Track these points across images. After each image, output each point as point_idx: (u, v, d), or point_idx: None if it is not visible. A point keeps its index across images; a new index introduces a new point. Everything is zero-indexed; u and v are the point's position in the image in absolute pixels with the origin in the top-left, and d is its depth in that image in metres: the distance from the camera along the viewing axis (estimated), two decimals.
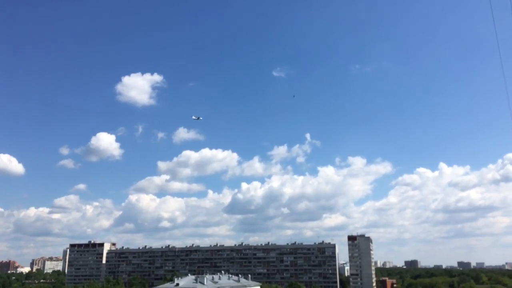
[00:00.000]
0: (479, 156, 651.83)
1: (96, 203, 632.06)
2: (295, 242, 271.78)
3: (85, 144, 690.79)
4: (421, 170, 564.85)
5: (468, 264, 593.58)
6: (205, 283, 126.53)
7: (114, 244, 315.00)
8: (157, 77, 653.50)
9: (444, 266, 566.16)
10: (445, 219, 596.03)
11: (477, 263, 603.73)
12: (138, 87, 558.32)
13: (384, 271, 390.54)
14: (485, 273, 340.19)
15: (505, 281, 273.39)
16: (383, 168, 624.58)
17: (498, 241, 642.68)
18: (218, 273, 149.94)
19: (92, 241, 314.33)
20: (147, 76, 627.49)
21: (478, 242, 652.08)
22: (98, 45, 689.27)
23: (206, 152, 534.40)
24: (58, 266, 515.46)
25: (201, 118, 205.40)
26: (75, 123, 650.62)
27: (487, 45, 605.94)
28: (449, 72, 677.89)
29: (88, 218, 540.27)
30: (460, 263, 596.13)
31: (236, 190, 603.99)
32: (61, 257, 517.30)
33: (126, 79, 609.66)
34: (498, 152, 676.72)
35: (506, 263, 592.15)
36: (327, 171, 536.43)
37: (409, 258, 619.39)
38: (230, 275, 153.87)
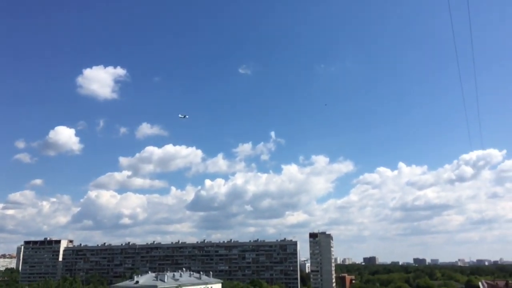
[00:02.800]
0: (436, 157, 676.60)
1: (53, 199, 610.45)
2: (258, 239, 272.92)
3: (42, 138, 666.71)
4: (381, 169, 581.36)
5: (423, 260, 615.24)
6: (165, 280, 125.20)
7: (71, 241, 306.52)
8: (120, 71, 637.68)
9: (400, 263, 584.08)
10: (403, 217, 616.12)
11: (431, 260, 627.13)
12: (100, 80, 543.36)
13: (344, 268, 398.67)
14: (439, 269, 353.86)
15: (458, 277, 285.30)
16: (345, 167, 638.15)
17: (452, 239, 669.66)
18: (179, 271, 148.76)
19: (48, 238, 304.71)
20: (110, 69, 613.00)
21: (433, 240, 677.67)
22: (58, 35, 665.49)
23: (169, 148, 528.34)
24: (12, 263, 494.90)
25: (187, 116, 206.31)
26: (32, 116, 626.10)
27: (445, 49, 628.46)
28: (409, 75, 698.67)
29: (45, 214, 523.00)
30: (415, 260, 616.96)
31: (199, 187, 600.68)
32: (14, 254, 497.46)
33: (87, 72, 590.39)
34: (454, 153, 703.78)
35: (459, 260, 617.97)
36: (291, 169, 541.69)
37: (368, 255, 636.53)
38: (192, 273, 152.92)
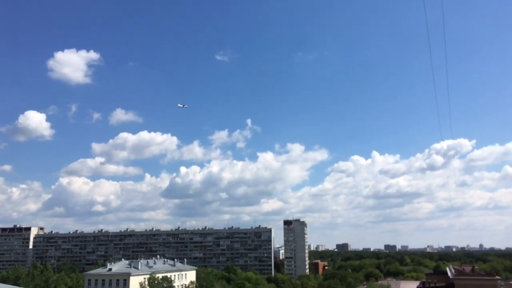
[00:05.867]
0: (409, 146, 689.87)
1: (23, 186, 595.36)
2: (232, 227, 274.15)
3: (11, 123, 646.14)
4: (356, 157, 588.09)
5: (394, 247, 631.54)
6: (139, 268, 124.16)
7: (42, 229, 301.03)
8: (93, 55, 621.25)
9: (372, 249, 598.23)
10: (375, 205, 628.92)
11: (402, 246, 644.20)
12: (72, 64, 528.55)
13: (317, 254, 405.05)
14: (408, 255, 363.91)
15: (426, 262, 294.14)
16: (320, 155, 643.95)
17: (421, 226, 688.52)
18: (153, 258, 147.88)
19: (18, 225, 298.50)
20: (83, 53, 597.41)
21: (404, 227, 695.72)
22: (28, 16, 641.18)
23: (144, 135, 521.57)
24: None
25: (186, 106, 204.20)
26: (1, 100, 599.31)
27: (419, 41, 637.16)
28: (383, 65, 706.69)
29: (14, 201, 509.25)
30: (386, 246, 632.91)
31: (174, 174, 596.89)
32: None
33: (59, 55, 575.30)
34: (426, 142, 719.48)
35: (428, 246, 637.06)
36: (266, 157, 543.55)
37: (341, 242, 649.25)
38: (166, 260, 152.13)
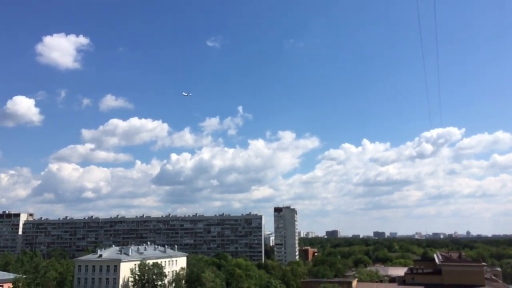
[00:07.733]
0: (399, 134, 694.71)
1: (12, 172, 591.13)
2: (223, 214, 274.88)
3: None
4: (346, 145, 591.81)
5: (383, 233, 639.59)
6: (129, 254, 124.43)
7: (31, 215, 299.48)
8: (83, 40, 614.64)
9: (361, 236, 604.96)
10: (365, 192, 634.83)
11: (390, 233, 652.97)
12: (61, 48, 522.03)
13: (307, 241, 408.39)
14: (397, 242, 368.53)
15: (414, 249, 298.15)
16: (311, 142, 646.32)
17: (410, 213, 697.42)
18: (144, 244, 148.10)
19: (7, 211, 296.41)
20: (72, 37, 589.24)
21: (393, 214, 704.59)
22: None
23: (135, 121, 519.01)
24: None
25: (190, 94, 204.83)
26: None
27: (410, 29, 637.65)
28: (374, 53, 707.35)
29: (3, 187, 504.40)
30: (375, 233, 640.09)
31: (165, 161, 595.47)
32: None
33: (48, 39, 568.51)
34: (416, 131, 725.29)
35: (416, 233, 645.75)
36: (258, 144, 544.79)
37: (330, 229, 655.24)
38: (156, 246, 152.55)
